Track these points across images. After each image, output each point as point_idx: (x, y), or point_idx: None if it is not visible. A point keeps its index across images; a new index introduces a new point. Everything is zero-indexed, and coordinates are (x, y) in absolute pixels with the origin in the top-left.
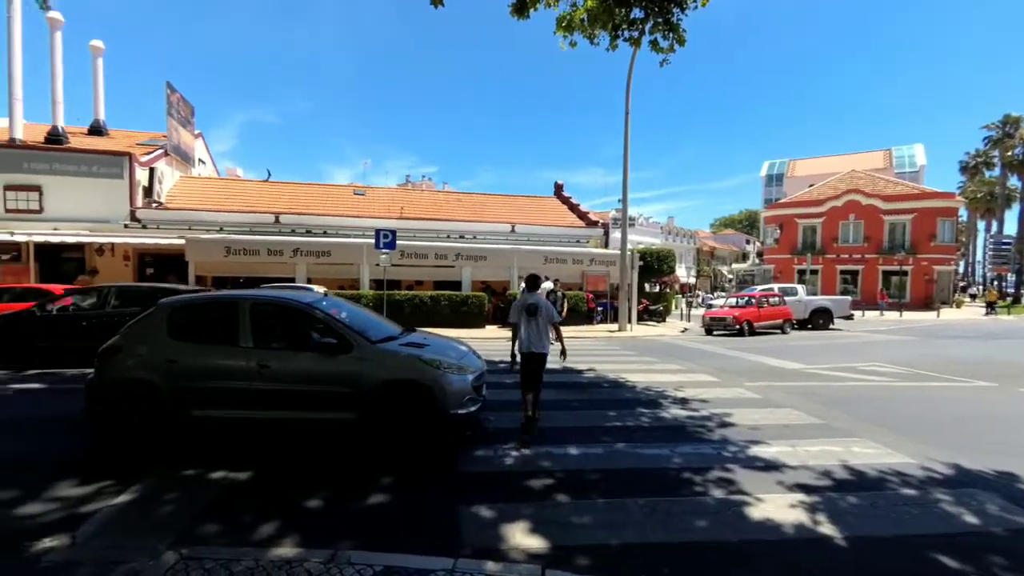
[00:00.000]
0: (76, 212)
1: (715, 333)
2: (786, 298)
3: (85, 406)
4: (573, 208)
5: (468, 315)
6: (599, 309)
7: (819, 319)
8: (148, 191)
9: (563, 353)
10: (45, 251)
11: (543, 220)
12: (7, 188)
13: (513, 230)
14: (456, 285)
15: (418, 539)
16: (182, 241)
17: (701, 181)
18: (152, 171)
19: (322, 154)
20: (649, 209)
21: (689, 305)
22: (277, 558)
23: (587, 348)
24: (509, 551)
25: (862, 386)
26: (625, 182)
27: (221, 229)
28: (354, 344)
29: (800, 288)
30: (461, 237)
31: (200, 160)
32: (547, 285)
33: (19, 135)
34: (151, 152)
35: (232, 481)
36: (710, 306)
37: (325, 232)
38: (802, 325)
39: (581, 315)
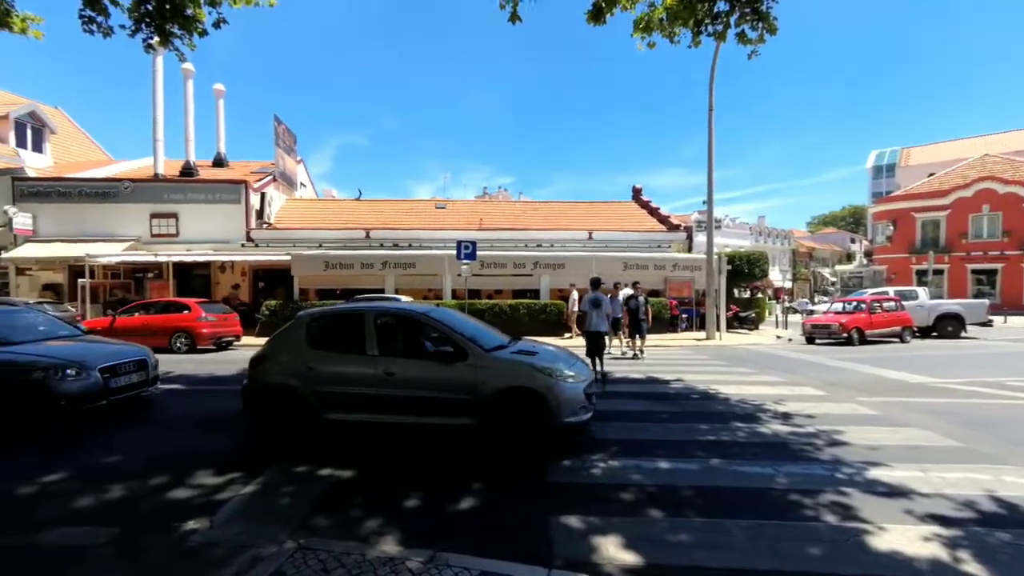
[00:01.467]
0: (204, 234)
1: (817, 341)
2: (905, 303)
3: (242, 407)
4: (652, 212)
5: (547, 323)
6: (683, 316)
7: (947, 326)
8: (260, 213)
9: (638, 355)
10: (180, 269)
11: (621, 226)
12: (152, 216)
13: (591, 237)
14: (535, 293)
15: (510, 546)
16: (288, 257)
17: (794, 177)
18: (263, 196)
19: (406, 171)
20: (736, 209)
21: (785, 311)
22: (382, 555)
23: (673, 357)
24: (603, 565)
25: (1014, 405)
26: (710, 181)
27: (320, 245)
28: (469, 352)
29: (921, 291)
30: (539, 246)
31: (301, 183)
32: (625, 292)
33: (161, 170)
34: (262, 179)
35: (338, 479)
36: (811, 312)
37: (411, 245)
38: (925, 333)
39: (664, 322)
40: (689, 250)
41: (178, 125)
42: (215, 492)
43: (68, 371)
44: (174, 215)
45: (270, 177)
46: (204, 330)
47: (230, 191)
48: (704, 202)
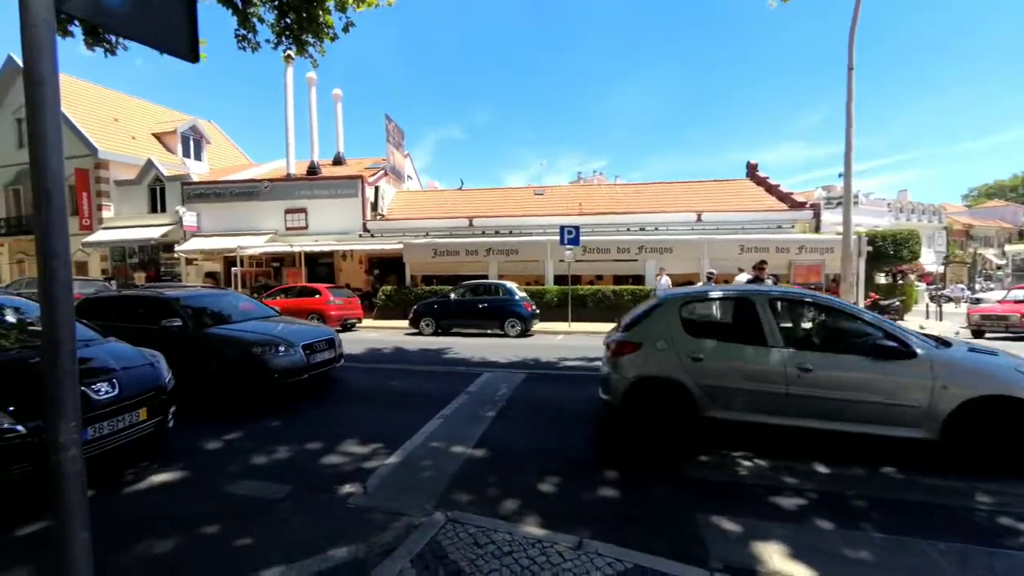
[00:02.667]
0: (327, 226)
1: (988, 335)
2: None
3: (610, 400)
4: (771, 189)
5: None
6: None
7: None
8: (375, 206)
9: None
10: (309, 258)
11: (734, 206)
12: (286, 211)
13: (699, 219)
14: (638, 279)
15: (656, 540)
16: (400, 246)
17: (943, 143)
18: (377, 189)
19: (500, 160)
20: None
21: (937, 299)
22: (529, 535)
23: None
24: (772, 575)
25: None
26: (848, 151)
27: (427, 234)
28: (918, 347)
29: None
30: (641, 229)
31: (408, 176)
32: (742, 277)
33: (292, 170)
34: (375, 174)
35: (471, 456)
36: (976, 300)
37: (511, 232)
38: None
39: None
40: (816, 230)
41: (304, 129)
42: (363, 461)
43: (280, 348)
44: (304, 210)
45: (382, 172)
46: (333, 312)
47: (349, 186)
48: (840, 175)
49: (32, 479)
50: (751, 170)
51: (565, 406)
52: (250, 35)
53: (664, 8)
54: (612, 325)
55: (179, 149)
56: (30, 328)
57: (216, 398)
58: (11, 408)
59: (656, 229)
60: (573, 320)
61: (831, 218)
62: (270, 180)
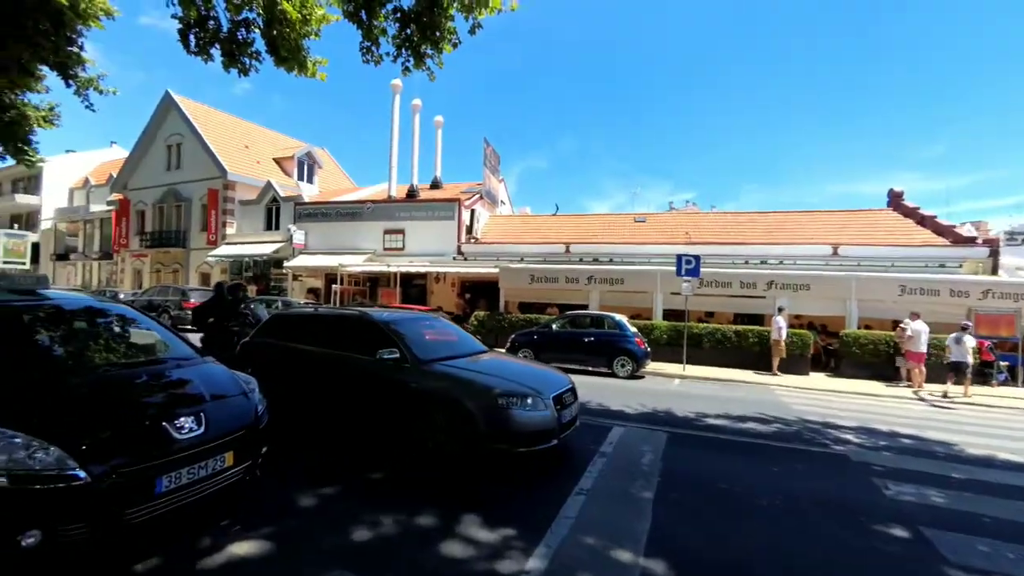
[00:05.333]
0: (423, 248)
1: None
2: None
3: None
4: (923, 221)
5: (787, 357)
6: (1002, 364)
7: None
8: (469, 229)
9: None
10: (403, 279)
11: (879, 239)
12: (385, 232)
13: (835, 252)
14: (757, 319)
15: None
16: (495, 270)
17: None
18: (472, 212)
19: (584, 190)
20: None
21: None
22: None
23: (996, 421)
24: None
25: None
26: None
27: (522, 259)
28: None
29: None
30: (763, 263)
31: (502, 201)
32: (919, 326)
33: (393, 193)
34: (471, 197)
35: (649, 573)
36: None
37: (611, 260)
38: None
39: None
40: (994, 271)
41: (406, 153)
42: (495, 557)
43: (528, 400)
44: (401, 231)
45: (477, 195)
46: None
47: (446, 209)
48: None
49: (79, 548)
50: (895, 199)
51: (748, 489)
52: (373, 48)
53: (752, 37)
54: (732, 371)
55: (295, 173)
56: (130, 342)
57: (428, 464)
58: (71, 444)
59: (781, 263)
60: (687, 362)
61: (1011, 260)
62: (372, 201)
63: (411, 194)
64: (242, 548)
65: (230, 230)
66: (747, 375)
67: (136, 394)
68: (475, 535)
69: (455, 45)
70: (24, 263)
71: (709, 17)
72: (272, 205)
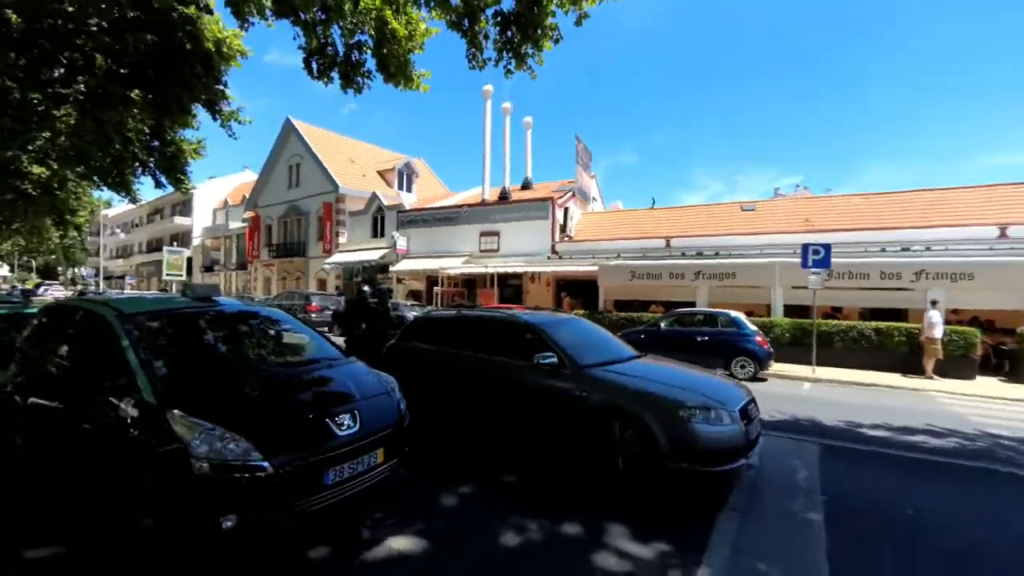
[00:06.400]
0: (517, 248)
1: None
2: None
3: None
4: None
5: (944, 358)
6: None
7: None
8: (563, 228)
9: None
10: (500, 279)
11: None
12: (481, 234)
13: (1003, 234)
14: (896, 314)
15: None
16: (591, 268)
17: None
18: (566, 211)
19: (675, 181)
20: None
21: None
22: None
23: None
24: None
25: None
26: None
27: (619, 256)
28: None
29: None
30: (904, 250)
31: (593, 198)
32: None
33: (487, 196)
34: (564, 196)
35: None
36: None
37: (717, 253)
38: None
39: None
40: None
41: (498, 156)
42: None
43: (711, 413)
44: (496, 233)
45: (570, 193)
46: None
47: (539, 208)
48: None
49: (266, 533)
50: None
51: (947, 519)
52: (478, 53)
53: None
54: (872, 374)
55: (395, 183)
56: (283, 343)
57: (589, 478)
58: (256, 437)
59: (929, 249)
60: (817, 363)
61: None
62: (468, 206)
63: (503, 196)
64: (400, 543)
65: (342, 239)
66: (893, 379)
67: (301, 392)
68: (627, 548)
69: (556, 41)
70: (181, 275)
71: None
72: (378, 214)
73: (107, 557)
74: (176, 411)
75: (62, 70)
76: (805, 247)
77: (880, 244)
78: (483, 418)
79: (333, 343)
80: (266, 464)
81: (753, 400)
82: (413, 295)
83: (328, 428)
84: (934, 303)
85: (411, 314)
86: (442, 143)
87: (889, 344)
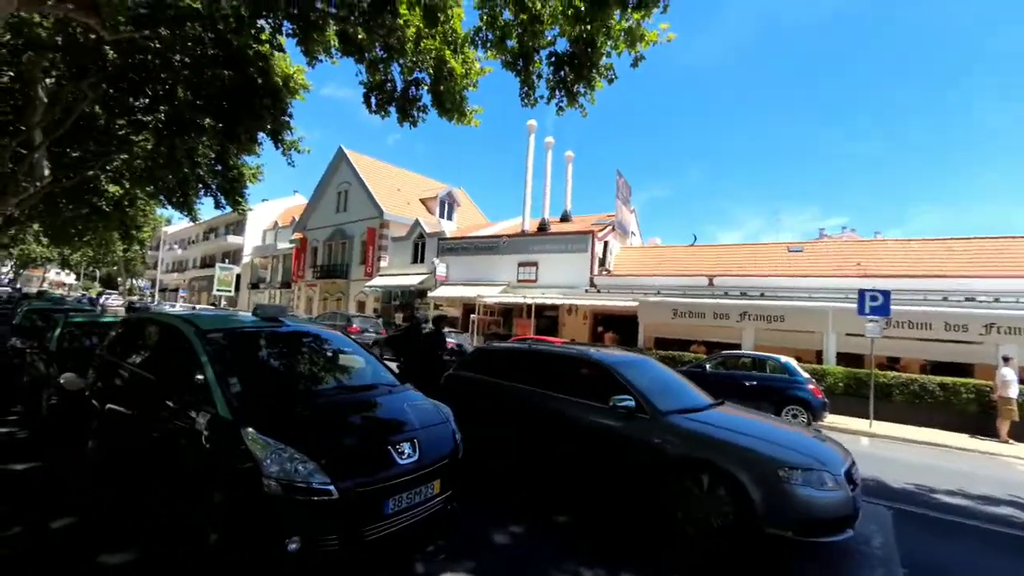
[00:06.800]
0: (555, 280)
1: None
2: None
3: None
4: None
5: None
6: None
7: None
8: (602, 261)
9: None
10: (537, 310)
11: None
12: (519, 264)
13: None
14: (958, 369)
15: None
16: (629, 304)
17: None
18: (605, 244)
19: (713, 218)
20: None
21: None
22: None
23: None
24: None
25: None
26: None
27: (659, 292)
28: None
29: None
30: (968, 300)
31: (632, 232)
32: None
33: (527, 227)
34: (603, 229)
35: None
36: None
37: (762, 295)
38: None
39: None
40: None
41: (539, 188)
42: None
43: (816, 474)
44: (535, 263)
45: (610, 227)
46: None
47: (579, 241)
48: None
49: (329, 558)
50: None
51: None
52: (531, 92)
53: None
54: (935, 432)
55: (437, 211)
56: (343, 366)
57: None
58: (323, 461)
59: (997, 300)
60: (874, 418)
61: None
62: (508, 236)
63: (542, 227)
64: None
65: (383, 263)
66: (960, 439)
67: (363, 417)
68: None
69: (611, 81)
70: (230, 291)
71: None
72: (419, 241)
73: (172, 569)
74: (250, 429)
75: (146, 100)
76: (862, 292)
77: (942, 293)
78: (543, 457)
79: (389, 368)
80: (332, 488)
81: (854, 462)
82: (447, 322)
83: (390, 456)
84: (1007, 359)
85: (466, 343)
86: (481, 173)
87: (956, 401)
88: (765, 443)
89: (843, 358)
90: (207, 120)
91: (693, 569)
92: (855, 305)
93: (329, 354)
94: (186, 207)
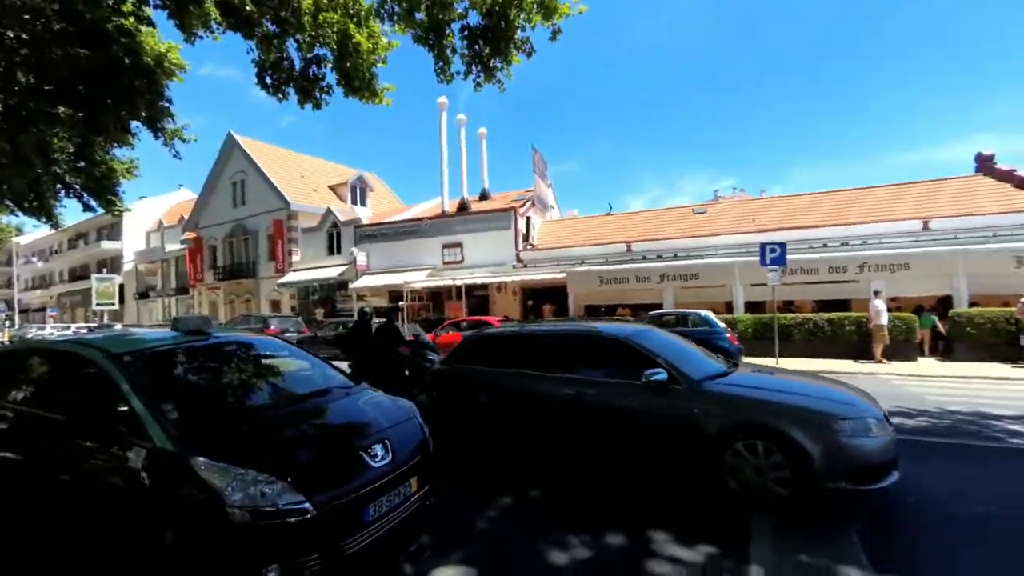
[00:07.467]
0: (481, 259)
1: None
2: None
3: None
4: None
5: (891, 344)
6: None
7: None
8: (526, 237)
9: None
10: (467, 291)
11: (975, 208)
12: (444, 246)
13: (926, 227)
14: (842, 305)
15: None
16: (558, 276)
17: None
18: (528, 220)
19: (618, 187)
20: None
21: None
22: None
23: None
24: None
25: None
26: None
27: (582, 262)
28: None
29: None
30: (843, 245)
31: (551, 206)
32: None
33: (447, 208)
34: (524, 205)
35: None
36: None
37: (675, 255)
38: None
39: None
40: None
41: (455, 168)
42: None
43: (864, 422)
44: (459, 244)
45: (530, 202)
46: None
47: (502, 219)
48: None
49: None
50: (984, 163)
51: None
52: (447, 68)
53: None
54: (830, 361)
55: (348, 198)
56: (289, 373)
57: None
58: (290, 478)
59: (865, 243)
60: (780, 355)
61: None
62: (429, 219)
63: (463, 207)
64: (446, 574)
65: (295, 258)
66: (848, 365)
67: (325, 425)
68: (672, 551)
69: (529, 55)
70: (113, 303)
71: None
72: (333, 230)
73: None
74: (200, 458)
75: None
76: (763, 246)
77: (822, 240)
78: (568, 446)
79: (339, 369)
80: (307, 505)
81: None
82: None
83: (363, 460)
84: (877, 293)
85: (422, 333)
86: (389, 156)
87: (841, 334)
88: (810, 399)
89: (748, 306)
90: (60, 108)
91: (745, 536)
92: (756, 258)
93: (270, 363)
94: (43, 212)
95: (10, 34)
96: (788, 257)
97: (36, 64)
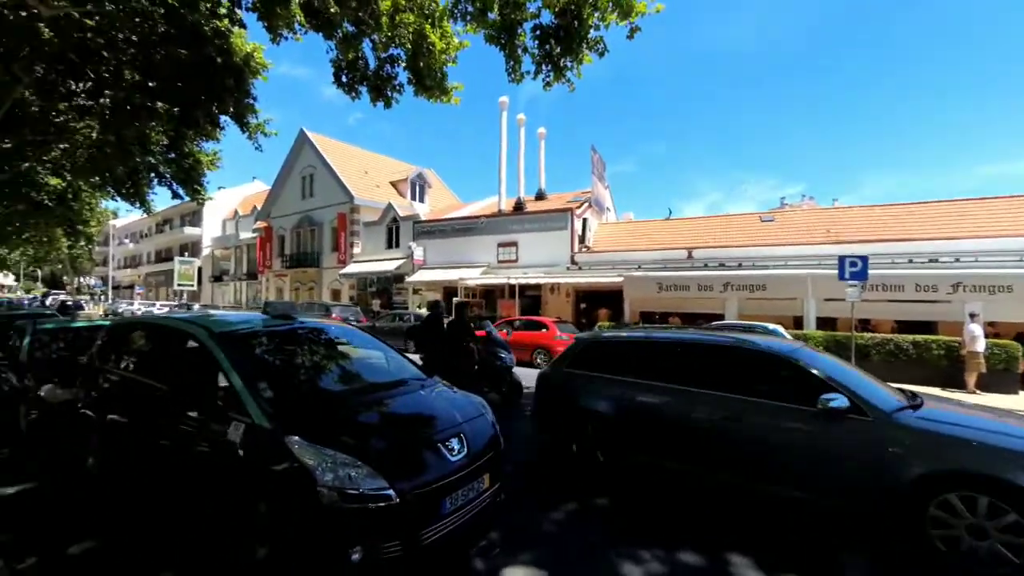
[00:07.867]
0: (536, 259)
1: None
2: None
3: None
4: None
5: (987, 373)
6: None
7: None
8: (582, 238)
9: None
10: (520, 290)
11: None
12: (499, 245)
13: None
14: (924, 327)
15: None
16: (614, 279)
17: None
18: (584, 222)
19: (674, 191)
20: None
21: None
22: None
23: None
24: None
25: None
26: None
27: (639, 267)
28: None
29: None
30: (932, 261)
31: (607, 208)
32: None
33: (503, 207)
34: (581, 206)
35: None
36: None
37: (740, 264)
38: None
39: None
40: None
41: (513, 167)
42: None
43: None
44: (515, 243)
45: (587, 204)
46: (560, 348)
47: (558, 219)
48: None
49: (393, 566)
50: None
51: None
52: (517, 67)
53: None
54: (912, 387)
55: (408, 193)
56: (367, 362)
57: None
58: (376, 464)
59: (957, 260)
60: None
61: None
62: (485, 217)
63: (519, 207)
64: (517, 573)
65: (356, 250)
66: (933, 392)
67: (405, 415)
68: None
69: (601, 54)
70: (192, 285)
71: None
72: (392, 225)
73: None
74: (296, 437)
75: (88, 83)
76: (842, 259)
77: (906, 255)
78: (704, 465)
79: (413, 362)
80: (391, 492)
81: None
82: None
83: (442, 453)
84: (973, 316)
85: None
86: (447, 153)
87: (928, 358)
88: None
89: (819, 322)
90: (160, 104)
91: None
92: (832, 271)
93: (350, 351)
94: (138, 198)
95: (122, 36)
96: (872, 272)
97: (142, 63)
